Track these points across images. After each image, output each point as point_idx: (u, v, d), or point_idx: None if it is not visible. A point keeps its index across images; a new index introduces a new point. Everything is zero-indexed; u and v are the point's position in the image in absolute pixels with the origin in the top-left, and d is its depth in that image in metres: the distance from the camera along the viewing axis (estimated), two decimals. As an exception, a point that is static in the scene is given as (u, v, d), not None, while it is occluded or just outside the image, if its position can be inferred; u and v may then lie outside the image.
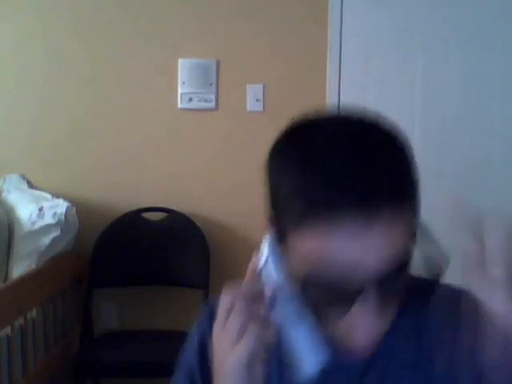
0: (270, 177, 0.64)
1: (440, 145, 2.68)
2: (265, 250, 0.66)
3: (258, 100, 2.68)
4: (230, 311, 0.62)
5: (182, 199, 2.69)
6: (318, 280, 0.59)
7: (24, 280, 2.17)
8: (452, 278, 0.74)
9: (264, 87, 2.69)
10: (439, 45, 2.65)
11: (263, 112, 2.70)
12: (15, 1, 2.71)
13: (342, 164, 0.57)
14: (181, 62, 2.69)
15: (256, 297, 0.63)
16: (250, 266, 0.66)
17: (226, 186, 2.68)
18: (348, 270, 0.58)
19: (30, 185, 2.68)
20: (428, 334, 0.72)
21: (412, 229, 0.61)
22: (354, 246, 0.57)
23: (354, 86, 2.67)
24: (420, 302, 0.72)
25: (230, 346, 0.61)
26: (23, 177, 2.68)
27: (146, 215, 2.66)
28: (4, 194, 2.61)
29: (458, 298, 0.68)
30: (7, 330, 1.97)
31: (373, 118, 0.64)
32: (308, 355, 0.61)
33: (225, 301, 0.63)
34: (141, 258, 2.60)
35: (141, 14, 2.70)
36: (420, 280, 0.72)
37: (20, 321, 2.07)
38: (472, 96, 2.66)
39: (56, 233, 2.38)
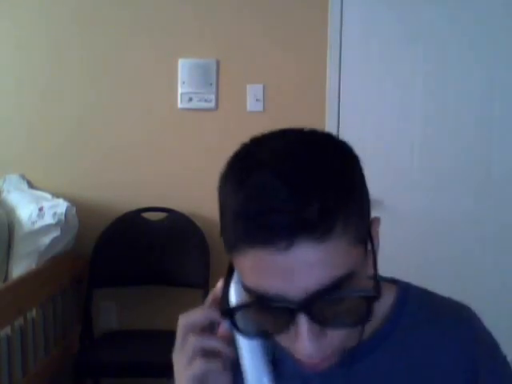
0: (218, 191, 0.70)
1: (440, 145, 2.68)
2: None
3: (257, 100, 2.68)
4: (184, 337, 0.67)
5: (182, 199, 2.69)
6: (255, 301, 0.61)
7: (24, 280, 2.17)
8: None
9: (264, 87, 2.69)
10: (439, 45, 2.65)
11: (263, 112, 2.70)
12: (16, 1, 2.71)
13: (264, 198, 0.58)
14: (181, 62, 2.69)
15: (210, 325, 0.68)
16: (213, 292, 0.70)
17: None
18: (278, 291, 0.59)
19: (30, 185, 2.68)
20: (422, 355, 0.73)
21: (351, 240, 0.60)
22: (278, 270, 0.58)
23: (354, 85, 2.67)
24: (422, 321, 0.75)
25: (182, 368, 0.67)
26: (23, 177, 2.68)
27: (146, 215, 2.66)
28: (4, 194, 2.61)
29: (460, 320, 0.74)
30: (7, 329, 1.97)
31: (315, 138, 0.68)
32: (259, 377, 0.65)
33: (180, 327, 0.68)
34: (141, 258, 2.60)
35: (141, 14, 2.70)
36: (429, 296, 0.77)
37: (20, 321, 2.07)
38: (472, 96, 2.66)
39: (56, 233, 2.38)
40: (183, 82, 2.69)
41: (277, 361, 0.71)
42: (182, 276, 2.55)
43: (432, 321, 0.75)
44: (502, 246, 2.68)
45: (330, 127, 2.66)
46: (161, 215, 2.67)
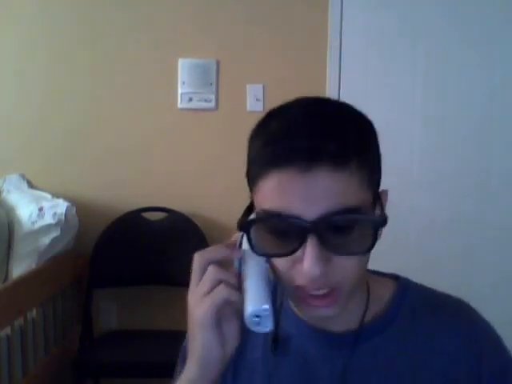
0: (248, 143, 0.75)
1: (440, 145, 2.68)
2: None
3: (257, 100, 2.68)
4: (202, 271, 0.71)
5: (182, 199, 2.69)
6: (272, 216, 0.66)
7: (24, 280, 2.17)
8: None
9: (264, 87, 2.69)
10: (439, 45, 2.65)
11: (263, 112, 2.68)
12: (16, 2, 2.71)
13: (291, 133, 0.66)
14: (181, 62, 2.69)
15: (226, 261, 0.71)
16: (232, 238, 0.74)
17: (226, 186, 2.68)
18: (295, 210, 0.64)
19: (30, 185, 2.68)
20: (423, 342, 0.76)
21: (364, 185, 0.66)
22: (297, 190, 0.64)
23: (354, 85, 2.67)
24: (423, 311, 0.78)
25: (200, 299, 0.69)
26: (23, 177, 2.68)
27: (145, 215, 2.66)
28: (4, 194, 2.61)
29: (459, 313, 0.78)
30: (7, 330, 1.97)
31: (340, 103, 0.75)
32: (253, 301, 0.66)
33: (197, 262, 0.72)
34: (141, 258, 2.60)
35: (141, 14, 2.70)
36: (429, 292, 0.81)
37: (20, 321, 2.07)
38: (472, 96, 2.66)
39: (56, 233, 2.38)
40: (183, 82, 2.69)
41: (281, 309, 0.77)
42: (182, 276, 2.54)
43: (433, 310, 0.78)
44: (503, 245, 2.68)
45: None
46: (161, 215, 2.67)
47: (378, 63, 2.67)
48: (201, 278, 0.70)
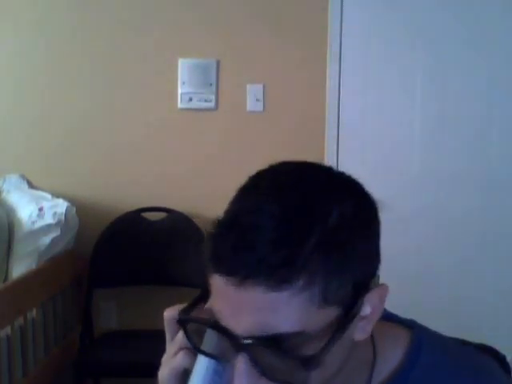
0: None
1: (440, 145, 2.68)
2: None
3: (257, 100, 2.68)
4: (173, 329, 0.67)
5: (182, 199, 2.69)
6: (206, 325, 0.61)
7: (24, 280, 2.17)
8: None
9: (264, 87, 2.69)
10: (439, 44, 2.65)
11: (263, 112, 2.69)
12: (16, 2, 2.71)
13: (236, 230, 0.58)
14: (181, 62, 2.69)
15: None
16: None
17: (225, 186, 2.66)
18: (229, 322, 0.59)
19: (30, 185, 2.68)
20: None
21: (317, 298, 0.57)
22: (232, 302, 0.58)
23: (354, 85, 2.67)
24: (435, 372, 0.70)
25: (166, 360, 0.67)
26: (23, 177, 2.68)
27: (145, 215, 2.66)
28: (4, 194, 2.61)
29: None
30: (7, 329, 1.97)
31: (326, 182, 0.63)
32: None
33: (166, 321, 0.68)
34: (141, 258, 2.60)
35: (141, 14, 2.69)
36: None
37: (20, 321, 2.07)
38: (472, 96, 2.66)
39: (56, 233, 2.38)
40: (183, 82, 2.69)
41: None
42: (182, 276, 2.55)
43: (446, 375, 0.70)
44: (504, 245, 2.68)
45: (329, 127, 2.66)
46: (161, 215, 2.67)
47: (377, 63, 2.67)
48: (172, 337, 0.67)
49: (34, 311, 2.21)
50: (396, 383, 0.70)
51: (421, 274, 2.65)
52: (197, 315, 0.63)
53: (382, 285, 0.63)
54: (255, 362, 0.57)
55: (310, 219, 0.57)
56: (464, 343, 0.81)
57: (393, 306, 0.81)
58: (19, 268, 2.32)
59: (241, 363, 0.57)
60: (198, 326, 0.63)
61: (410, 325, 0.75)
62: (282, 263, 0.55)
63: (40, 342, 2.24)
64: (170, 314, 0.66)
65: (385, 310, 0.77)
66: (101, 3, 2.70)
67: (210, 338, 0.63)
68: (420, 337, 0.72)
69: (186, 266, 2.56)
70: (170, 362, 0.66)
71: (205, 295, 0.65)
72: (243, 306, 0.57)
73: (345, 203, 0.60)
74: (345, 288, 0.58)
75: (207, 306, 0.63)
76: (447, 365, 0.70)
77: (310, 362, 0.56)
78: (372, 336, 0.69)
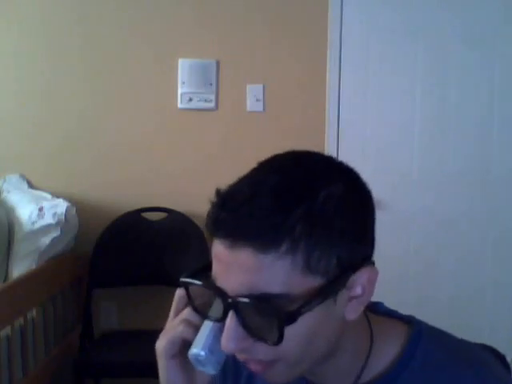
0: None
1: (440, 144, 2.68)
2: None
3: (258, 100, 2.68)
4: (177, 308, 0.72)
5: (182, 199, 2.69)
6: (202, 285, 0.68)
7: (24, 280, 2.17)
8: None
9: (264, 87, 2.69)
10: (439, 44, 2.65)
11: (263, 112, 2.69)
12: (16, 2, 2.71)
13: (232, 199, 0.65)
14: (181, 62, 2.69)
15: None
16: None
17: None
18: (221, 282, 0.65)
19: (30, 185, 2.68)
20: None
21: (299, 265, 0.62)
22: (224, 263, 0.64)
23: (354, 85, 2.67)
24: (434, 369, 0.72)
25: (164, 333, 0.72)
26: (23, 177, 2.68)
27: (145, 215, 2.66)
28: (4, 194, 2.61)
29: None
30: (7, 329, 1.97)
31: (313, 167, 0.68)
32: (195, 343, 0.68)
33: (176, 296, 0.73)
34: (141, 258, 2.60)
35: (141, 14, 2.70)
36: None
37: (20, 321, 2.07)
38: (472, 95, 2.66)
39: (56, 233, 2.38)
40: (183, 82, 2.69)
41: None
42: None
43: (444, 366, 0.71)
44: (504, 245, 2.68)
45: (329, 127, 2.66)
46: (161, 215, 2.67)
47: (377, 63, 2.67)
48: (177, 312, 0.72)
49: (34, 311, 2.21)
50: (393, 375, 0.72)
51: (421, 273, 2.65)
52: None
53: (372, 267, 0.67)
54: (241, 320, 0.63)
55: (301, 193, 0.63)
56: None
57: (393, 305, 0.81)
58: (19, 268, 2.32)
59: (229, 320, 0.63)
60: (204, 294, 0.69)
61: (408, 320, 0.77)
62: (269, 228, 0.61)
63: (40, 341, 2.24)
64: (182, 292, 0.71)
65: (385, 306, 0.79)
66: (101, 3, 2.70)
67: (215, 304, 0.68)
68: (418, 331, 0.74)
69: (186, 266, 2.55)
70: (170, 331, 0.71)
71: (209, 264, 0.69)
72: (233, 266, 0.63)
73: (336, 185, 0.65)
74: (328, 261, 0.63)
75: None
76: (445, 358, 0.72)
77: (284, 317, 0.61)
78: (370, 329, 0.73)
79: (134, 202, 2.67)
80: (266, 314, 0.62)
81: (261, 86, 2.68)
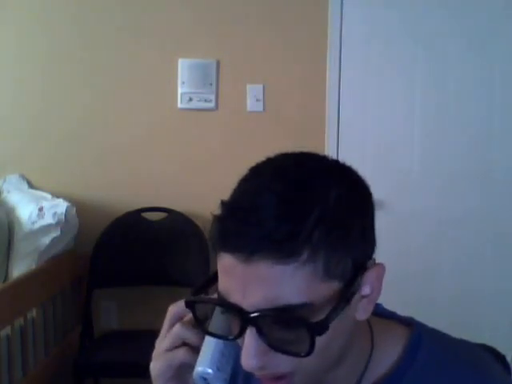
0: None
1: (440, 144, 2.68)
2: None
3: (258, 100, 2.68)
4: (171, 325, 0.69)
5: (182, 199, 2.69)
6: (215, 302, 0.65)
7: (24, 280, 2.17)
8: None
9: (264, 87, 2.69)
10: (439, 44, 2.65)
11: (263, 112, 2.69)
12: (16, 2, 2.71)
13: (242, 208, 0.62)
14: (181, 62, 2.69)
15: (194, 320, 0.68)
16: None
17: (226, 186, 2.67)
18: (236, 298, 0.61)
19: (30, 185, 2.68)
20: None
21: (320, 272, 0.60)
22: (239, 278, 0.61)
23: (354, 86, 2.67)
24: (433, 364, 0.72)
25: (159, 354, 0.69)
26: (23, 177, 2.68)
27: (145, 215, 2.66)
28: (4, 194, 2.61)
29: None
30: (7, 329, 1.97)
31: (319, 168, 0.66)
32: (201, 362, 0.66)
33: (168, 315, 0.70)
34: (141, 258, 2.60)
35: (141, 14, 2.70)
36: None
37: (20, 321, 2.07)
38: (472, 96, 2.66)
39: (56, 233, 2.38)
40: (183, 82, 2.69)
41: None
42: (182, 276, 2.55)
43: (445, 368, 0.71)
44: (504, 245, 2.68)
45: (329, 128, 2.66)
46: (161, 215, 2.67)
47: (378, 63, 2.67)
48: (169, 330, 0.69)
49: (34, 311, 2.21)
50: (395, 377, 0.71)
51: (421, 273, 2.65)
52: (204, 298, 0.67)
53: (379, 264, 0.66)
54: (263, 335, 0.60)
55: (310, 198, 0.60)
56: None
57: (393, 305, 0.81)
58: (19, 268, 2.32)
59: (249, 337, 0.60)
60: (204, 311, 0.66)
61: (409, 322, 0.76)
62: (287, 237, 0.58)
63: (40, 341, 2.24)
64: (175, 309, 0.69)
65: (384, 308, 0.78)
66: (101, 3, 2.70)
67: (216, 320, 0.66)
68: (419, 333, 0.74)
69: (186, 266, 2.56)
70: (167, 355, 0.68)
71: (212, 280, 0.67)
72: (250, 280, 0.60)
73: (341, 185, 0.63)
74: (345, 264, 0.61)
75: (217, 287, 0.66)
76: (447, 359, 0.72)
77: (315, 327, 0.59)
78: (371, 331, 0.72)
79: (133, 202, 2.67)
80: (294, 326, 0.60)
81: (261, 86, 2.68)
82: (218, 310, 0.67)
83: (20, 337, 2.07)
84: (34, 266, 2.32)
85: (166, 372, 0.68)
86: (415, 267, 2.65)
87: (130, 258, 2.60)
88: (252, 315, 0.59)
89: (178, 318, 0.69)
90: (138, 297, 2.71)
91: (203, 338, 0.67)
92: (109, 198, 2.72)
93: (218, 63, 2.69)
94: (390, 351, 0.72)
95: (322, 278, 0.60)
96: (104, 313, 2.70)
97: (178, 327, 0.68)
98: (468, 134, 2.66)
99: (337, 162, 0.69)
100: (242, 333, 0.61)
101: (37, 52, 2.71)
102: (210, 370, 0.66)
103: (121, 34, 2.70)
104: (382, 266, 0.66)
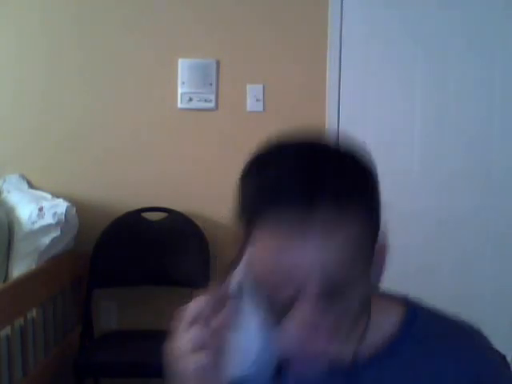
0: (240, 181, 0.69)
1: (440, 144, 2.68)
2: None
3: (258, 100, 2.68)
4: (195, 320, 0.66)
5: (182, 199, 2.69)
6: (263, 279, 0.63)
7: (24, 280, 2.17)
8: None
9: (264, 87, 2.69)
10: (439, 44, 2.65)
11: (263, 112, 2.69)
12: (16, 2, 2.71)
13: (284, 172, 0.63)
14: (181, 62, 2.69)
15: (219, 307, 0.66)
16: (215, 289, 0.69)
17: (225, 186, 2.67)
18: (287, 267, 0.61)
19: (30, 185, 2.68)
20: (428, 371, 0.74)
21: (360, 242, 0.63)
22: (287, 255, 0.61)
23: (354, 86, 2.67)
24: (430, 342, 0.75)
25: (184, 355, 0.66)
26: (23, 177, 2.68)
27: (145, 215, 2.66)
28: (4, 194, 2.61)
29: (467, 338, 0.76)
30: (7, 329, 1.97)
31: (340, 152, 0.68)
32: (238, 363, 0.64)
33: (192, 309, 0.67)
34: (141, 258, 2.60)
35: (141, 14, 2.70)
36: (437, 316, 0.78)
37: (20, 321, 2.07)
38: (472, 96, 2.66)
39: (56, 233, 2.38)
40: (183, 82, 2.69)
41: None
42: (182, 276, 2.55)
43: (439, 339, 0.75)
44: (504, 245, 2.68)
45: (330, 127, 2.66)
46: (161, 215, 2.67)
47: (378, 63, 2.67)
48: (187, 330, 0.67)
49: (34, 311, 2.21)
50: (391, 349, 0.74)
51: (420, 273, 2.65)
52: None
53: (383, 244, 0.69)
54: (312, 309, 0.61)
55: (347, 177, 0.64)
56: None
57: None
58: (19, 268, 2.32)
59: (298, 312, 0.61)
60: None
61: (403, 298, 0.80)
62: (335, 212, 0.61)
63: (40, 341, 2.24)
64: (195, 306, 0.67)
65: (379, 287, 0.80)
66: (101, 3, 2.70)
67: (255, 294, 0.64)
68: (414, 309, 0.77)
69: (186, 266, 2.56)
70: (192, 357, 0.65)
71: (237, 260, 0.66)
72: (300, 258, 0.61)
73: (365, 167, 0.69)
74: (373, 238, 0.67)
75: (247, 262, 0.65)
76: (445, 331, 0.76)
77: (366, 283, 0.65)
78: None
79: (133, 202, 2.67)
80: (346, 286, 0.62)
81: (261, 86, 2.68)
82: (244, 301, 0.66)
83: (20, 337, 2.07)
84: (34, 266, 2.32)
85: (197, 373, 0.65)
86: (415, 267, 2.65)
87: (129, 257, 2.60)
88: (303, 289, 0.61)
89: (199, 317, 0.66)
90: (138, 297, 2.71)
91: (227, 337, 0.65)
92: (109, 198, 2.72)
93: (217, 63, 2.69)
94: (386, 325, 0.75)
95: (361, 250, 0.64)
96: (104, 313, 2.70)
97: (200, 327, 0.66)
98: (468, 133, 2.66)
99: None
100: (290, 308, 0.62)
101: (37, 52, 2.71)
102: (250, 370, 0.64)
103: (121, 34, 2.70)
104: (386, 244, 0.69)
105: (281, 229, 0.61)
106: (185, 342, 0.66)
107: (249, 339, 0.65)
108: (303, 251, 0.61)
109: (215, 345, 0.65)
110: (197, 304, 0.67)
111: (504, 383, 0.76)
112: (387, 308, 0.77)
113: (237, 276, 0.67)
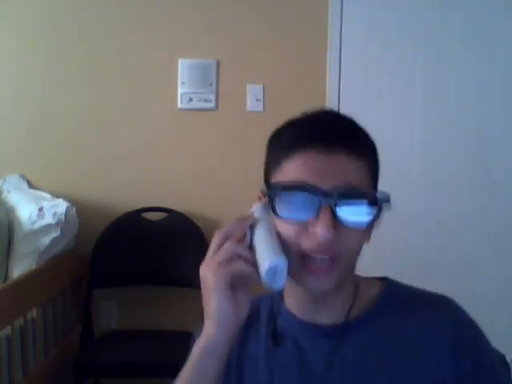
0: (269, 140, 0.92)
1: (440, 144, 2.69)
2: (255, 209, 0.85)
3: (258, 100, 2.68)
4: (220, 244, 0.81)
5: (182, 199, 2.69)
6: (295, 185, 0.78)
7: (24, 280, 2.17)
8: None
9: (264, 87, 2.69)
10: (439, 45, 2.65)
11: (263, 112, 2.69)
12: (16, 2, 2.71)
13: (313, 123, 0.83)
14: (181, 62, 2.69)
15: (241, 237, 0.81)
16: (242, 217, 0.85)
17: (226, 186, 2.68)
18: (314, 183, 0.77)
19: (30, 185, 2.68)
20: (408, 330, 0.84)
21: (368, 176, 0.82)
22: (318, 167, 0.78)
23: (354, 85, 2.67)
24: (410, 303, 0.87)
25: (216, 267, 0.78)
26: (23, 177, 2.68)
27: (145, 215, 2.66)
28: (4, 194, 2.61)
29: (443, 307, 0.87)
30: (7, 329, 1.97)
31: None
32: (269, 257, 0.75)
33: (217, 236, 0.83)
34: (141, 258, 2.60)
35: (141, 14, 2.70)
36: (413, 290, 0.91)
37: (20, 321, 2.07)
38: (472, 96, 2.66)
39: (56, 233, 2.38)
40: (183, 82, 2.69)
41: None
42: (182, 276, 2.55)
43: (418, 300, 0.87)
44: (504, 245, 2.68)
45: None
46: (161, 215, 2.67)
47: (377, 63, 2.67)
48: (219, 246, 0.80)
49: (34, 311, 2.21)
50: (373, 312, 0.86)
51: (421, 273, 2.65)
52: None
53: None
54: (337, 211, 0.75)
55: (360, 129, 0.86)
56: None
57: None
58: (19, 268, 2.32)
59: (325, 214, 0.75)
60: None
61: (382, 277, 0.93)
62: (354, 142, 0.81)
63: (40, 341, 2.24)
64: (226, 227, 0.83)
65: None
66: (101, 3, 2.70)
67: (284, 202, 0.79)
68: (391, 283, 0.91)
69: (186, 266, 2.55)
70: (224, 267, 0.77)
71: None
72: (329, 168, 0.77)
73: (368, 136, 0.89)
74: (376, 182, 0.86)
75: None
76: (419, 295, 0.89)
77: (379, 204, 0.79)
78: (356, 278, 0.89)
79: (133, 202, 2.67)
80: (363, 199, 0.78)
81: (261, 86, 2.68)
82: (259, 221, 0.81)
83: (20, 337, 2.07)
84: (34, 266, 2.32)
85: (225, 283, 0.77)
86: (415, 267, 2.65)
87: (129, 257, 2.60)
88: (331, 193, 0.75)
89: (228, 237, 0.81)
90: (138, 297, 2.71)
91: (253, 251, 0.78)
92: (109, 197, 2.72)
93: (217, 63, 2.69)
94: (369, 294, 0.88)
95: (372, 180, 0.83)
96: (104, 313, 2.70)
97: (230, 243, 0.80)
98: (468, 134, 2.66)
99: None
100: (316, 211, 0.75)
101: (37, 52, 2.71)
102: (283, 257, 0.75)
103: (121, 33, 2.70)
104: (389, 196, 0.83)
105: (314, 151, 0.78)
106: (221, 253, 0.79)
107: (272, 241, 0.77)
108: (332, 165, 0.78)
109: (247, 255, 0.78)
110: (228, 225, 0.83)
111: (482, 341, 0.84)
112: (369, 283, 0.90)
113: (256, 207, 0.84)
